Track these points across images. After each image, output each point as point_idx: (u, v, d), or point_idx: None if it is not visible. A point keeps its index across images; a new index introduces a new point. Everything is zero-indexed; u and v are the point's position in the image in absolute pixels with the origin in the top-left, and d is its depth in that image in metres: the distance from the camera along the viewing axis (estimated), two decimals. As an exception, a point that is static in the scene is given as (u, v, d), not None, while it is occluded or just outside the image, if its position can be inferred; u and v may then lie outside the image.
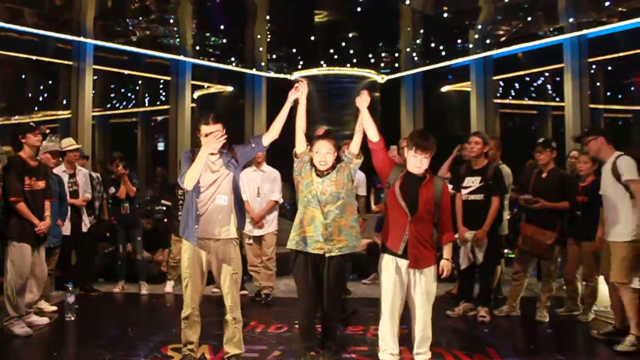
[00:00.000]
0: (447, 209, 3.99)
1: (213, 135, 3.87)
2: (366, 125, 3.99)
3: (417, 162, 3.89)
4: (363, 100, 3.99)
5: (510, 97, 12.58)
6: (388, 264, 3.92)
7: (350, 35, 10.61)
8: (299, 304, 4.21)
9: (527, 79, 12.19)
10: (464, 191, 5.54)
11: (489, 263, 5.54)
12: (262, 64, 11.75)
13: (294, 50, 11.53)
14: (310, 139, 4.26)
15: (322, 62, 11.59)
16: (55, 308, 5.91)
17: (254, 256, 6.49)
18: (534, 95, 12.67)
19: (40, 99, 12.84)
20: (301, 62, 11.76)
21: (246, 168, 6.32)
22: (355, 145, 4.12)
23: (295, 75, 11.86)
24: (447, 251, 3.98)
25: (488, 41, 10.48)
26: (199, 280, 4.04)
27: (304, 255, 4.09)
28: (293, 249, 4.14)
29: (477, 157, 5.54)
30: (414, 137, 3.97)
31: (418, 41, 11.36)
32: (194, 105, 11.70)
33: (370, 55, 11.63)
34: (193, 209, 3.94)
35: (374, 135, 3.99)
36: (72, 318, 5.54)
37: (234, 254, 4.03)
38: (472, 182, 5.51)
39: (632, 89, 11.79)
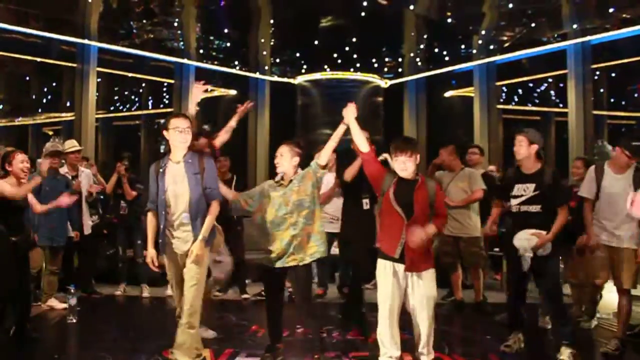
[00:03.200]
0: (441, 209, 4.00)
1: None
2: (355, 137, 4.05)
3: (400, 164, 3.91)
4: (350, 112, 4.05)
5: (514, 103, 12.58)
6: (385, 269, 3.93)
7: (354, 39, 10.63)
8: (268, 306, 4.30)
9: (531, 84, 12.20)
10: (513, 201, 4.68)
11: (554, 286, 4.61)
12: (266, 67, 11.76)
13: (298, 54, 11.55)
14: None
15: (325, 67, 11.61)
16: (65, 305, 5.90)
17: None
18: (537, 101, 12.66)
19: (44, 100, 12.89)
20: (305, 66, 11.78)
21: None
22: (323, 157, 4.14)
23: (299, 79, 11.88)
24: (428, 226, 3.88)
25: (492, 47, 10.49)
26: (178, 285, 3.98)
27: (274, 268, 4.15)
28: (265, 264, 4.18)
29: (526, 160, 4.67)
30: (395, 141, 4.04)
31: (422, 46, 11.37)
32: (197, 108, 11.71)
33: (373, 60, 11.65)
34: (162, 220, 3.88)
35: (364, 147, 4.04)
36: (74, 320, 5.55)
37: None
38: (524, 190, 4.63)
39: (636, 95, 11.79)
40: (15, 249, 4.84)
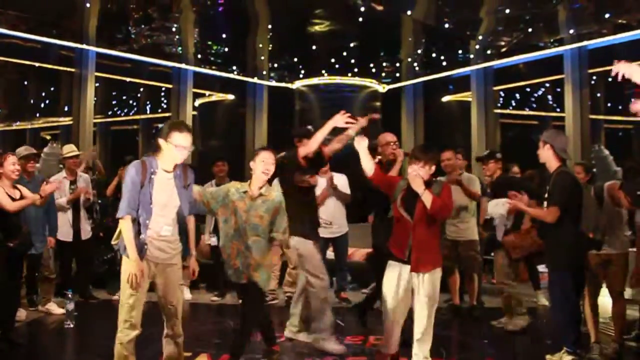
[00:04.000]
0: (443, 196, 3.99)
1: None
2: (363, 163, 4.16)
3: (412, 171, 3.99)
4: (360, 144, 4.14)
5: (511, 107, 12.62)
6: (393, 270, 4.01)
7: (352, 44, 10.66)
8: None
9: (528, 89, 12.23)
10: (545, 203, 4.57)
11: (560, 297, 4.38)
12: (264, 72, 11.78)
13: (296, 59, 11.57)
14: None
15: (323, 71, 11.63)
16: (63, 311, 5.87)
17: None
18: (534, 105, 12.70)
19: (42, 105, 12.89)
20: (302, 71, 11.80)
21: None
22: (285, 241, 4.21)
23: (297, 84, 11.90)
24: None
25: (489, 52, 10.52)
26: (144, 297, 3.68)
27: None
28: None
29: (547, 162, 4.55)
30: (415, 147, 4.23)
31: (419, 51, 11.40)
32: (195, 113, 11.73)
33: (371, 65, 11.67)
34: (144, 229, 3.53)
35: (370, 170, 4.13)
36: (72, 325, 5.54)
37: (180, 263, 3.76)
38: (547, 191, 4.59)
39: (632, 100, 11.84)
40: (12, 253, 4.86)
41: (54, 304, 6.15)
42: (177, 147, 3.52)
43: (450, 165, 6.11)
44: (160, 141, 3.55)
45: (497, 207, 5.04)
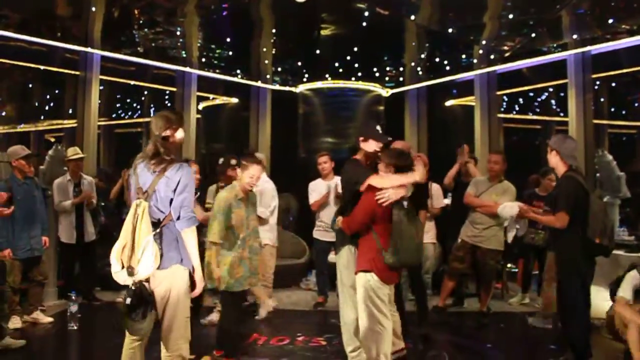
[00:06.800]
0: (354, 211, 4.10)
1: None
2: None
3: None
4: None
5: (515, 112, 12.61)
6: None
7: (355, 49, 10.67)
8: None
9: (531, 94, 12.24)
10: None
11: (568, 305, 4.42)
12: (268, 76, 11.81)
13: (299, 63, 11.60)
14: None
15: (327, 76, 11.65)
16: (51, 319, 5.84)
17: None
18: (538, 110, 12.70)
19: (47, 108, 12.95)
20: (306, 75, 11.82)
21: None
22: None
23: (301, 88, 11.93)
24: None
25: (492, 56, 10.52)
26: None
27: None
28: None
29: (555, 167, 4.64)
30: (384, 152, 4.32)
31: (423, 56, 11.42)
32: (199, 116, 11.76)
33: (375, 69, 11.69)
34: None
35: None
36: (75, 327, 5.55)
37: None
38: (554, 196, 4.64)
39: (636, 105, 11.83)
40: None
41: (40, 312, 5.90)
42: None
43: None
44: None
45: (507, 210, 4.99)
